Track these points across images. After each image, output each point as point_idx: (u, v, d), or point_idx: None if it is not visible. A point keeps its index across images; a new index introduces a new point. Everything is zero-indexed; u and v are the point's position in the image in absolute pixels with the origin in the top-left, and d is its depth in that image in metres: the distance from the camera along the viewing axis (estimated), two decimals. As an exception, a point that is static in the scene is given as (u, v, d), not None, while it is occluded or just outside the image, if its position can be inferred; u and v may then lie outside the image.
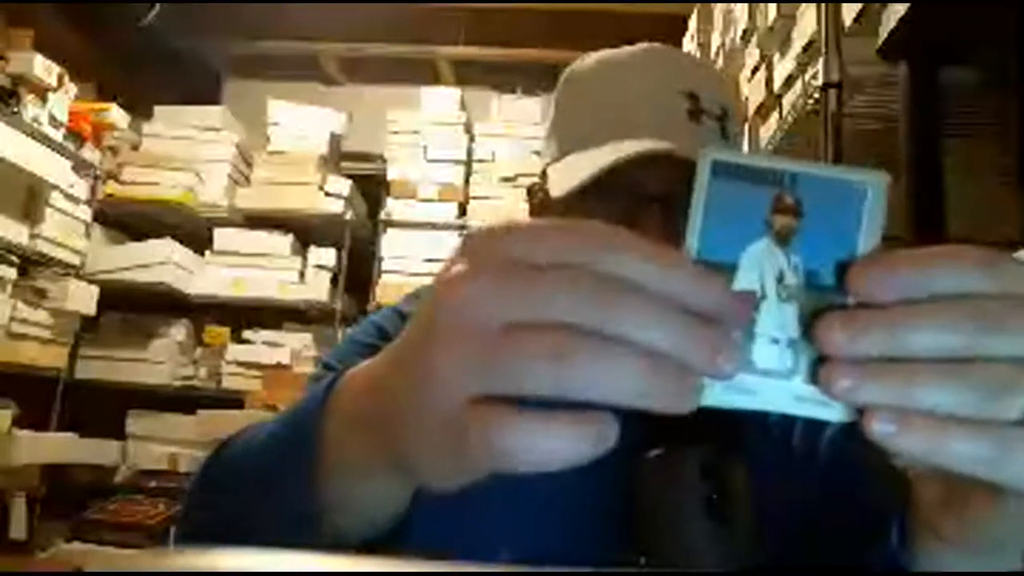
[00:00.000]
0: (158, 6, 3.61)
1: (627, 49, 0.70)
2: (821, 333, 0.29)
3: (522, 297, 0.28)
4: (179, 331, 3.57)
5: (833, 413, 0.30)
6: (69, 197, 3.15)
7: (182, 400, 3.40)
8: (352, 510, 0.39)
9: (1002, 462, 0.28)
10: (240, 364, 3.50)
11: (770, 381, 0.30)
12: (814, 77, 1.56)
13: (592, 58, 0.71)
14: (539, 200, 0.73)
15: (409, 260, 3.57)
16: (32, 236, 3.00)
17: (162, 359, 3.47)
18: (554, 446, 0.28)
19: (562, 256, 0.29)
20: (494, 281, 0.29)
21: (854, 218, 0.30)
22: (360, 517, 0.39)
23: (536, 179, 0.74)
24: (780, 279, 0.30)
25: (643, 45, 0.70)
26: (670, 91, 0.63)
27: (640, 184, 0.61)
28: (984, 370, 0.29)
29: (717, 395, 0.30)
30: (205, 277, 3.53)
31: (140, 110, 3.62)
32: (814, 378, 0.30)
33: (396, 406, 0.33)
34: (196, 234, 3.59)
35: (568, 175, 0.64)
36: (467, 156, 3.72)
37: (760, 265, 0.30)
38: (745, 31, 2.09)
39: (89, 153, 3.33)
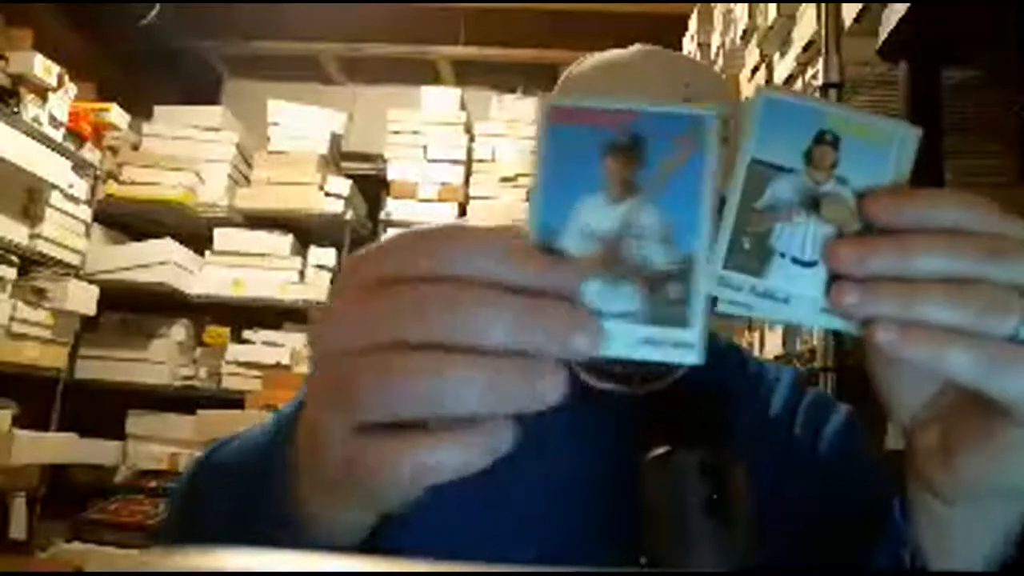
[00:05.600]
0: (158, 6, 3.60)
1: (621, 57, 0.69)
2: (832, 253, 0.33)
3: (363, 323, 0.29)
4: (179, 331, 3.57)
5: (851, 326, 0.34)
6: (69, 197, 3.15)
7: (182, 400, 3.40)
8: (320, 525, 0.37)
9: (997, 373, 0.31)
10: (240, 364, 3.50)
11: (798, 293, 0.34)
12: (814, 77, 1.56)
13: (587, 63, 0.70)
14: None
15: (409, 260, 3.57)
16: (32, 236, 3.00)
17: (162, 359, 3.47)
18: (442, 459, 0.29)
19: (406, 270, 0.29)
20: (344, 309, 0.30)
21: (882, 161, 0.34)
22: (330, 531, 0.37)
23: None
24: (812, 205, 0.34)
25: (638, 51, 0.69)
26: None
27: None
28: (981, 290, 0.32)
29: (752, 300, 0.34)
30: (205, 277, 3.53)
31: (140, 110, 3.61)
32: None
33: (303, 444, 0.35)
34: (196, 234, 3.59)
35: None
36: (467, 156, 3.72)
37: (795, 190, 0.34)
38: (745, 31, 2.09)
39: (89, 153, 3.32)
